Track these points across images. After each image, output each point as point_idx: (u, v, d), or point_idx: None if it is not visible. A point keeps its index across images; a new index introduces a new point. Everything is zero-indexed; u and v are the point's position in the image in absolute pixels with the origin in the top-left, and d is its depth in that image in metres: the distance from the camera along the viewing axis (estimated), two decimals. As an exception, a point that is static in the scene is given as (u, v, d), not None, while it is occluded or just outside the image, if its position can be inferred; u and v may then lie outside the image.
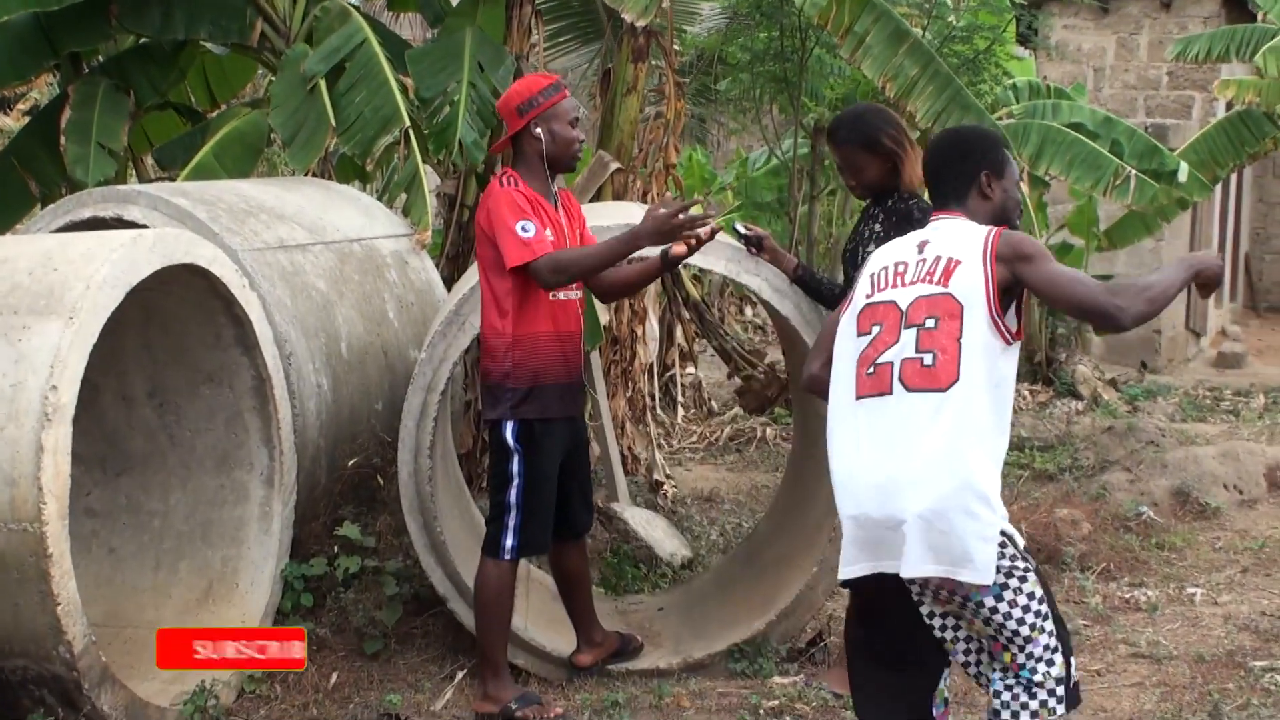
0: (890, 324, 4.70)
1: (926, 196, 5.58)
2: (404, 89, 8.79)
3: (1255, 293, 23.49)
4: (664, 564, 8.58)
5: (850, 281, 6.05)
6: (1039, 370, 15.75)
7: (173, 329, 6.72)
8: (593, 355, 9.34)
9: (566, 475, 6.52)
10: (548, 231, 6.18)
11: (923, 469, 4.49)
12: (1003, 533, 4.52)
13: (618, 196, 9.33)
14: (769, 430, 12.76)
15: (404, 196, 8.90)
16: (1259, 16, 16.92)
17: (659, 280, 10.82)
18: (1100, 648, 7.57)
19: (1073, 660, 4.69)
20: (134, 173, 11.08)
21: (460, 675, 6.82)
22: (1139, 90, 19.49)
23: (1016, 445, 11.83)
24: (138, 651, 6.35)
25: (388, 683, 6.66)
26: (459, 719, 6.36)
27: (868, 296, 4.84)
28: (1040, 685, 4.60)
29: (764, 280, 6.91)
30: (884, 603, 4.74)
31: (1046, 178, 13.78)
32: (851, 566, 4.69)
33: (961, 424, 4.51)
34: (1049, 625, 4.61)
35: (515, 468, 6.29)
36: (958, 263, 4.68)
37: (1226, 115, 16.33)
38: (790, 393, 10.38)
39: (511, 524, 6.30)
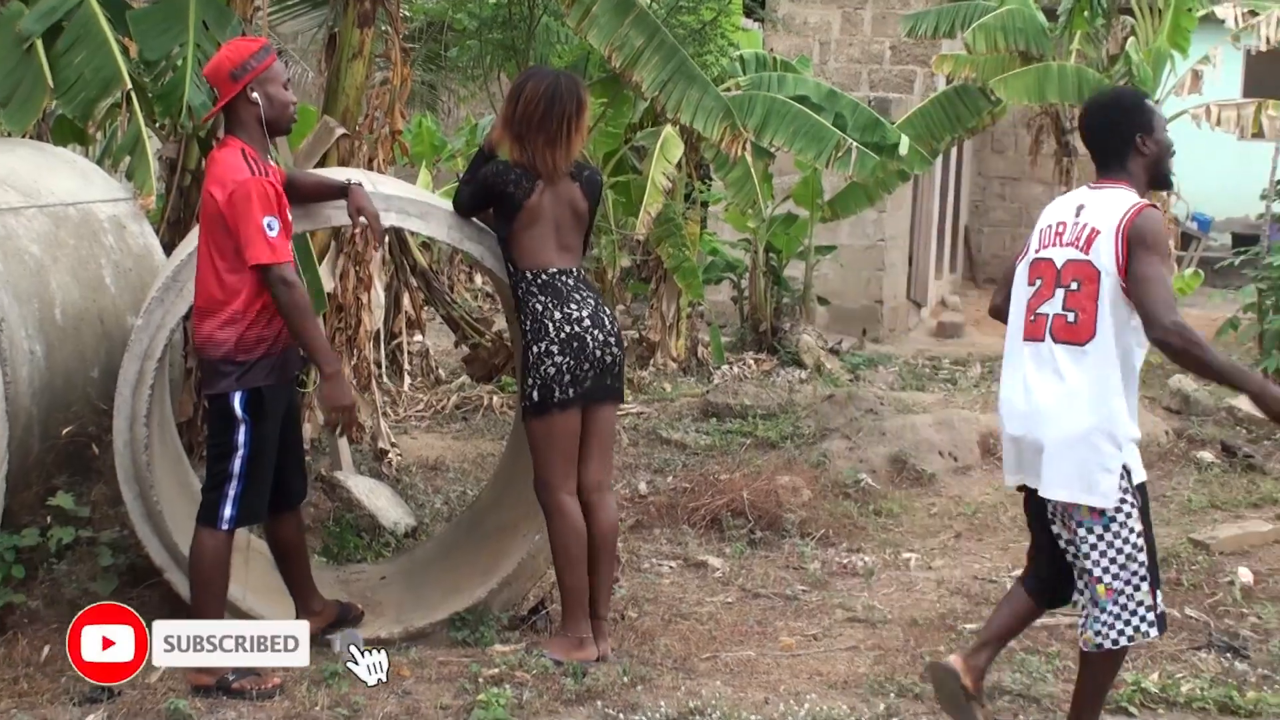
0: (1048, 280, 5.56)
1: None
2: (125, 50, 8.59)
3: (974, 265, 24.10)
4: (387, 533, 8.58)
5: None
6: (764, 339, 15.97)
7: (-124, 294, 6.51)
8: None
9: (281, 442, 6.47)
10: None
11: (1061, 408, 5.42)
12: (1124, 466, 5.41)
13: (343, 163, 9.22)
14: (495, 398, 12.78)
15: (126, 160, 8.71)
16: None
17: (386, 248, 10.79)
18: (817, 612, 7.77)
19: (1158, 592, 5.52)
20: None
21: (177, 647, 6.72)
22: (863, 64, 19.81)
23: (740, 413, 12.02)
24: None
25: (103, 655, 6.53)
26: (175, 691, 6.24)
27: (1036, 251, 5.67)
28: (1133, 613, 5.43)
29: (486, 248, 6.93)
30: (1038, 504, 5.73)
31: (771, 149, 13.96)
32: (1010, 476, 5.84)
33: (1095, 374, 5.37)
34: (1142, 557, 5.44)
35: (241, 437, 6.23)
36: (1097, 233, 5.42)
37: (944, 90, 16.73)
38: (514, 362, 10.39)
39: (232, 493, 6.23)
